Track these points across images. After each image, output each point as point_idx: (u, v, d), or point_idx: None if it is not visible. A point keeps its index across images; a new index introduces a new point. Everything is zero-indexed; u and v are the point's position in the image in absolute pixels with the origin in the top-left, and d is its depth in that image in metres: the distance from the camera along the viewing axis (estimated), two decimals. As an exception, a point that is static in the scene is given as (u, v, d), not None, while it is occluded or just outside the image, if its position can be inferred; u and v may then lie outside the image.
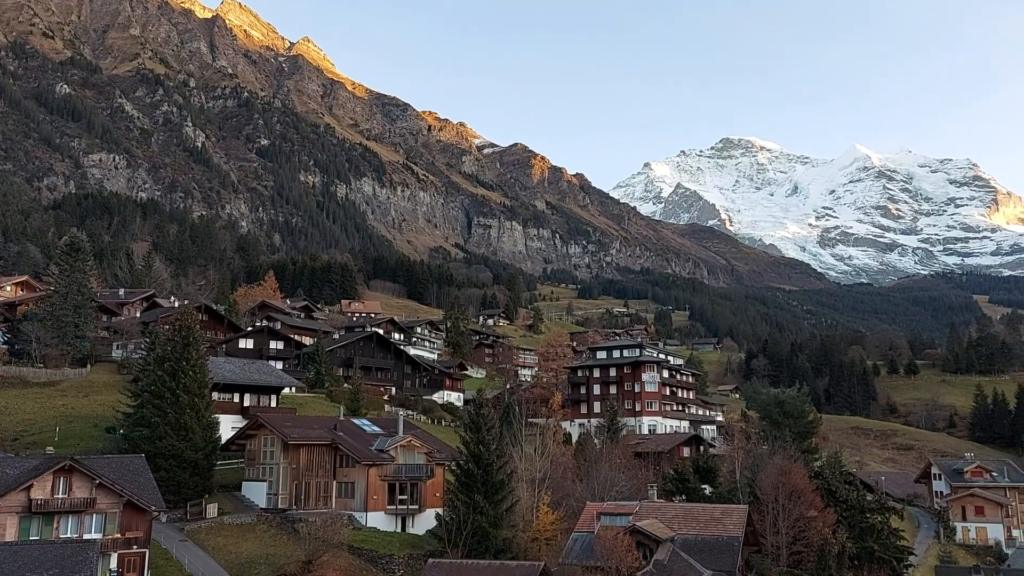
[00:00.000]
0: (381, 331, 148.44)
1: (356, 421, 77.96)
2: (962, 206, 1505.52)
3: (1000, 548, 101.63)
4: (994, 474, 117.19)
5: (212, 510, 64.78)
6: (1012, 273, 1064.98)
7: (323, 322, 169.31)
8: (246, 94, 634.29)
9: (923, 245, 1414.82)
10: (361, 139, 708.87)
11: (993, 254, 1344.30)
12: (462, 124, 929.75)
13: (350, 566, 58.71)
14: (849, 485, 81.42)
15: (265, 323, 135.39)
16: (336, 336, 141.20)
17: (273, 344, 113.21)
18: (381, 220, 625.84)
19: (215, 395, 76.71)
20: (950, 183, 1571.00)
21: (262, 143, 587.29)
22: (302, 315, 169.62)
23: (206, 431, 68.48)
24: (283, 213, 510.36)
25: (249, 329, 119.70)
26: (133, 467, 55.56)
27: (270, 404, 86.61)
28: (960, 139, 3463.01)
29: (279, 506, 67.09)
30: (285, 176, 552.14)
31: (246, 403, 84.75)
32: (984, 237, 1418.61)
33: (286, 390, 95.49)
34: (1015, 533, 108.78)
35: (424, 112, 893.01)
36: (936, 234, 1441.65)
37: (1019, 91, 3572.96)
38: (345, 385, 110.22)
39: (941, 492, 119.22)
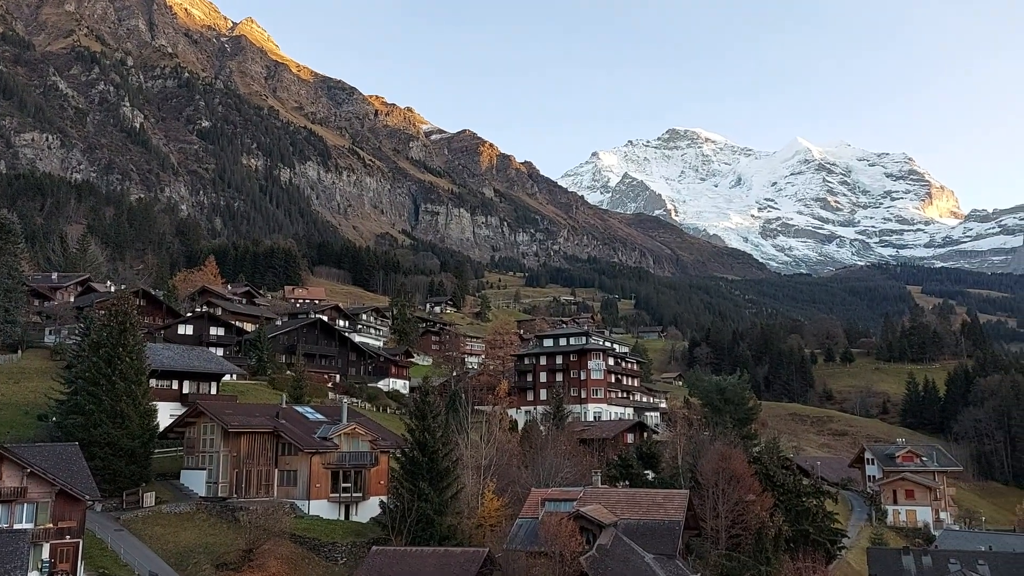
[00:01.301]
0: (325, 318, 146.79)
1: (299, 409, 77.01)
2: (898, 199, 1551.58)
3: (928, 530, 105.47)
4: (924, 459, 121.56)
5: (149, 499, 63.38)
6: (944, 265, 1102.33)
7: (265, 308, 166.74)
8: (186, 74, 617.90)
9: (860, 237, 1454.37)
10: (306, 123, 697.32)
11: (926, 246, 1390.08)
12: (410, 109, 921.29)
13: (292, 554, 58.08)
14: (786, 470, 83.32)
15: (205, 309, 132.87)
16: (279, 323, 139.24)
17: (214, 330, 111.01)
18: (326, 205, 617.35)
19: (153, 382, 75.04)
20: (887, 176, 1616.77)
21: (203, 125, 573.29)
22: (244, 301, 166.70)
23: (143, 419, 66.89)
24: (225, 197, 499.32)
25: (189, 315, 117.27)
26: (66, 455, 53.95)
27: (210, 391, 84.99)
28: (897, 134, 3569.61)
29: (219, 494, 66.00)
30: (227, 159, 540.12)
31: (185, 390, 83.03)
32: (918, 230, 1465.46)
33: (227, 377, 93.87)
34: (943, 516, 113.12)
35: (371, 96, 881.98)
36: (873, 226, 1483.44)
37: (953, 88, 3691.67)
38: (288, 372, 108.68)
39: (873, 476, 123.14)
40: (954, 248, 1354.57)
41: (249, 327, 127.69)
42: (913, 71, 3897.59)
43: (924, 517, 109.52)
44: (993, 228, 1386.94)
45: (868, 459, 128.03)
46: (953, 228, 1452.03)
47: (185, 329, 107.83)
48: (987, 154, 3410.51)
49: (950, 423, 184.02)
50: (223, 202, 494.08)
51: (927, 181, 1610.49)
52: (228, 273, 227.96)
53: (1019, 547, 75.69)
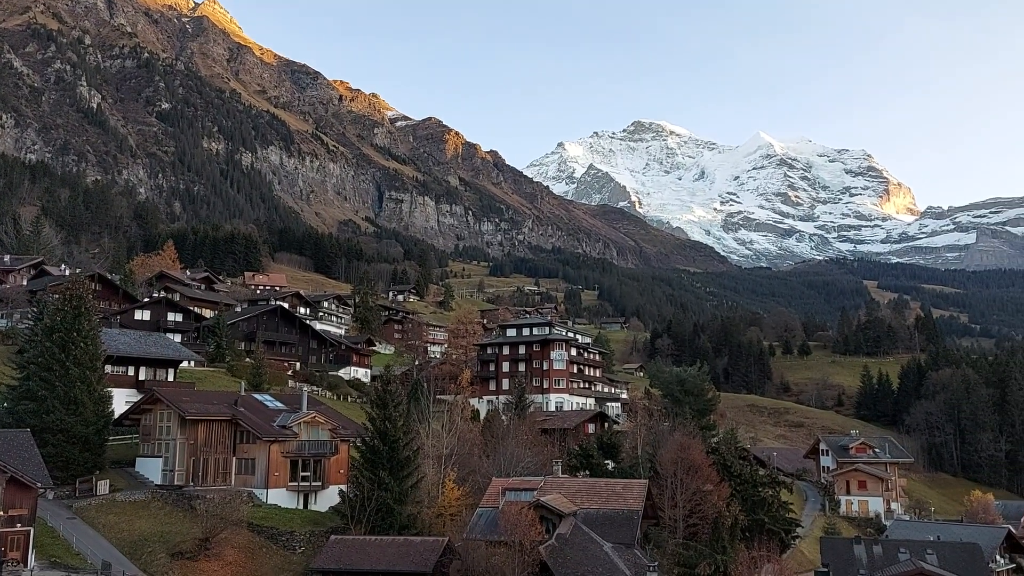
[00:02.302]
0: (286, 305, 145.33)
1: (258, 396, 76.21)
2: (856, 195, 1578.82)
3: (880, 520, 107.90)
4: (876, 450, 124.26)
5: (103, 487, 62.30)
6: (900, 260, 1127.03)
7: (225, 294, 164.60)
8: (146, 55, 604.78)
9: (819, 232, 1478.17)
10: (269, 106, 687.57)
11: (883, 242, 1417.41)
12: (374, 95, 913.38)
13: (249, 543, 57.61)
14: (743, 460, 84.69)
15: (163, 294, 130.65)
16: (239, 309, 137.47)
17: (171, 316, 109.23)
18: (288, 191, 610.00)
19: (108, 368, 73.64)
20: (846, 173, 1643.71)
21: (163, 107, 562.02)
22: (203, 287, 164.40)
23: (98, 405, 65.67)
24: (184, 180, 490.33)
25: (146, 300, 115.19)
26: (17, 442, 52.78)
27: (167, 378, 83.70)
28: (856, 131, 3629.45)
29: (175, 483, 65.12)
30: (187, 142, 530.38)
31: (141, 377, 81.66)
32: (875, 225, 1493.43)
33: (184, 364, 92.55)
34: (894, 506, 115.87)
35: (335, 81, 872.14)
36: (832, 221, 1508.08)
37: (912, 88, 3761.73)
38: (247, 360, 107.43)
39: (828, 467, 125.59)
40: (910, 244, 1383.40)
41: (208, 313, 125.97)
42: (873, 70, 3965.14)
43: (876, 507, 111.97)
44: (948, 225, 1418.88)
45: (823, 450, 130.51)
46: (909, 224, 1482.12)
47: (142, 314, 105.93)
48: (943, 153, 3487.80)
49: (903, 416, 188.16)
50: (183, 186, 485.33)
51: (885, 178, 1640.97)
52: (187, 258, 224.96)
53: (966, 537, 77.71)
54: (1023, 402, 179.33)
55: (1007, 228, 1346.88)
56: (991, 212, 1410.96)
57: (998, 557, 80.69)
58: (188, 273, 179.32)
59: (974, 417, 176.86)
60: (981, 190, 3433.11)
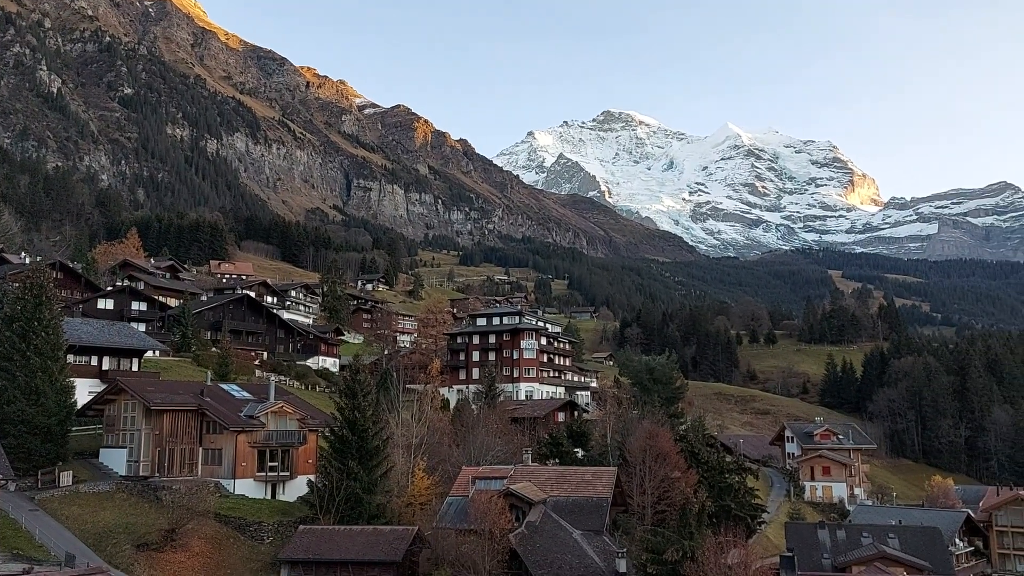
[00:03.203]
0: (253, 294, 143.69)
1: (225, 386, 75.38)
2: (822, 186, 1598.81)
3: (843, 505, 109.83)
4: (840, 437, 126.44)
5: (66, 478, 61.26)
6: (863, 250, 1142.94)
7: (190, 283, 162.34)
8: (108, 39, 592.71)
9: (785, 222, 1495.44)
10: (234, 93, 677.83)
11: (848, 232, 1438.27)
12: (342, 82, 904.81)
13: (216, 534, 57.11)
14: (710, 447, 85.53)
15: (127, 283, 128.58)
16: (204, 298, 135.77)
17: (135, 305, 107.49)
18: (255, 178, 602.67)
19: (71, 358, 72.31)
20: (812, 164, 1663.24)
21: (125, 92, 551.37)
22: (167, 275, 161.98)
23: (60, 395, 64.49)
24: (148, 167, 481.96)
25: (109, 289, 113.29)
26: (-25, 434, 51.67)
27: (131, 368, 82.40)
28: (822, 122, 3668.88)
29: (140, 474, 64.23)
30: (151, 128, 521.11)
31: (105, 366, 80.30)
32: (840, 216, 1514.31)
33: (149, 353, 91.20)
34: (857, 491, 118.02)
35: (302, 68, 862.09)
36: (798, 212, 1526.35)
37: (877, 80, 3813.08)
38: (213, 349, 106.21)
39: (793, 454, 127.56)
40: (873, 234, 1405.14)
41: (173, 302, 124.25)
42: (839, 63, 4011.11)
43: (840, 493, 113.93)
44: (911, 216, 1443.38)
45: (788, 437, 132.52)
46: (873, 215, 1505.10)
47: (105, 304, 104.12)
48: (907, 144, 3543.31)
49: (866, 403, 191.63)
50: (146, 173, 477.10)
51: (850, 169, 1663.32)
52: (151, 246, 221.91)
53: (926, 521, 79.40)
54: (982, 389, 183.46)
55: (968, 219, 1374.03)
56: (953, 203, 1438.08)
57: (957, 540, 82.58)
58: (152, 262, 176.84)
59: (935, 404, 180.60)
60: (943, 181, 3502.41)
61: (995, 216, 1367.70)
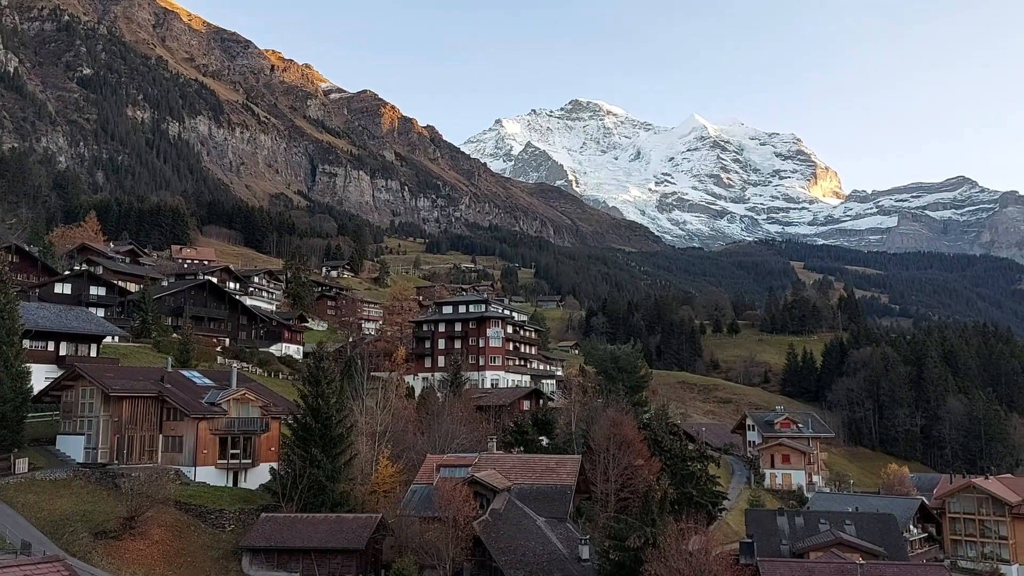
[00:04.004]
0: (215, 279, 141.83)
1: (186, 373, 74.38)
2: (785, 178, 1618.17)
3: (802, 492, 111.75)
4: (799, 426, 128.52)
5: (22, 465, 60.03)
6: (825, 242, 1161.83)
7: (151, 268, 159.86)
8: (67, 17, 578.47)
9: (749, 213, 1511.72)
10: (197, 75, 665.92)
11: (810, 224, 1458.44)
12: (308, 66, 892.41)
13: (176, 522, 56.44)
14: (673, 436, 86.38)
15: (85, 267, 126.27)
16: (165, 283, 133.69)
17: (94, 290, 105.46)
18: (217, 162, 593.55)
19: (27, 343, 70.87)
20: (776, 156, 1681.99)
21: (84, 72, 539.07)
22: (127, 260, 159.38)
23: (15, 381, 63.05)
24: (107, 150, 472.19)
25: (67, 273, 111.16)
26: (-75, 421, 50.37)
27: (89, 354, 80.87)
28: (787, 114, 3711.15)
29: (99, 461, 63.22)
30: (111, 110, 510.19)
31: (62, 352, 78.72)
32: (803, 208, 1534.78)
33: (108, 339, 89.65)
34: (815, 479, 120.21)
35: (267, 51, 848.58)
36: (761, 203, 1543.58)
37: (840, 74, 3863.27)
38: (174, 335, 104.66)
39: (754, 442, 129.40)
40: (835, 227, 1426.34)
41: (133, 287, 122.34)
42: (803, 56, 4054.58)
43: (798, 480, 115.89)
44: (871, 208, 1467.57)
45: (749, 425, 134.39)
46: (835, 207, 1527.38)
47: (63, 288, 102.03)
48: (869, 138, 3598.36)
49: (825, 392, 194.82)
50: (105, 155, 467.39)
51: (813, 162, 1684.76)
52: (110, 230, 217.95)
53: (882, 508, 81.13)
54: (938, 379, 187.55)
55: (927, 212, 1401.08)
56: (912, 196, 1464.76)
57: (912, 527, 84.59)
58: (112, 246, 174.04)
59: (892, 393, 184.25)
60: (904, 175, 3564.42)
61: (952, 210, 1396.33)
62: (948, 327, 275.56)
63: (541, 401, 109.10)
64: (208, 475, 65.26)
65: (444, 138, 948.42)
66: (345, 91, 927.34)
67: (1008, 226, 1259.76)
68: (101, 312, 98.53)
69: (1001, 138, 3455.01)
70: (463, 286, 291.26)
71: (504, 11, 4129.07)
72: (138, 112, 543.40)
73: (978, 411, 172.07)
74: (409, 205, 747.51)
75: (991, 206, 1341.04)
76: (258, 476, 67.31)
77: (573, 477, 62.54)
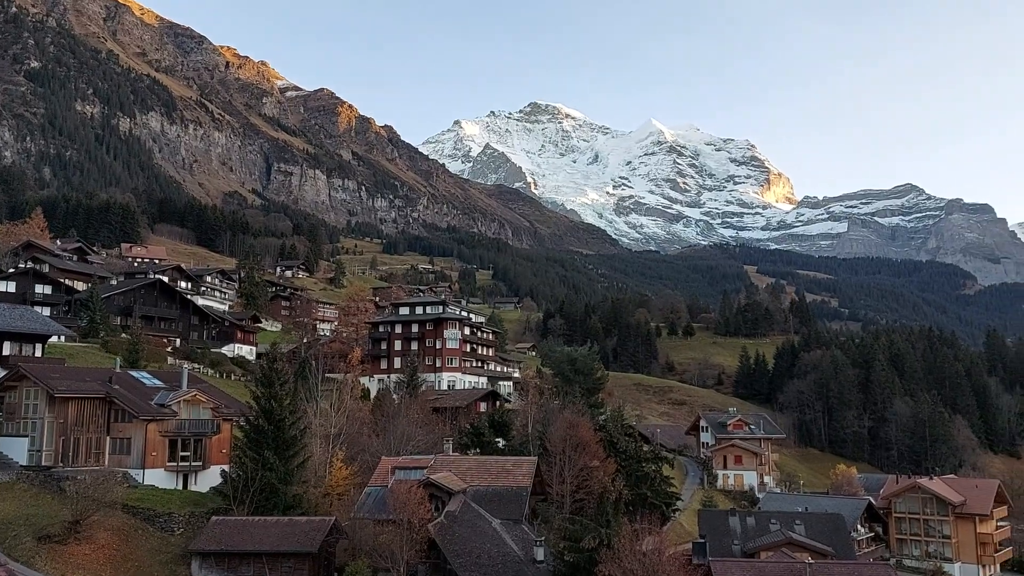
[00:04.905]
0: (166, 278, 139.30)
1: (135, 374, 72.70)
2: (740, 184, 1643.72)
3: (753, 493, 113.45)
4: (752, 427, 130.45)
5: (-40, 470, 58.13)
6: (778, 247, 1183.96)
7: (100, 266, 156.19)
8: (14, 9, 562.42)
9: (705, 218, 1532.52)
10: (149, 70, 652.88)
11: (763, 229, 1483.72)
12: (264, 63, 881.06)
13: (124, 525, 55.14)
14: (629, 437, 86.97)
15: (30, 265, 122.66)
16: (114, 282, 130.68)
17: (40, 288, 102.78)
18: (170, 160, 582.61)
19: (-34, 343, 68.62)
20: (731, 161, 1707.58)
21: (32, 65, 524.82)
22: (75, 258, 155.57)
23: (-46, 383, 61.10)
24: (55, 145, 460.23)
25: (11, 271, 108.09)
26: None
27: (34, 353, 78.51)
28: (741, 121, 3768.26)
29: (43, 463, 61.40)
30: (59, 104, 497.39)
31: (6, 352, 76.20)
32: (756, 213, 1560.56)
33: (54, 339, 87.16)
34: (767, 479, 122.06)
35: (222, 47, 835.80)
36: (716, 208, 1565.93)
37: (792, 82, 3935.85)
38: (123, 335, 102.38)
39: (707, 443, 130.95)
40: (787, 232, 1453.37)
41: (81, 286, 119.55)
42: (757, 64, 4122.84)
43: (750, 481, 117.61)
44: (822, 214, 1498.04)
45: (703, 427, 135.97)
46: (787, 213, 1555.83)
47: (7, 286, 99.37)
48: (821, 145, 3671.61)
49: (777, 394, 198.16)
50: (53, 150, 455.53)
51: (766, 168, 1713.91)
52: (58, 228, 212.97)
53: (831, 508, 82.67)
54: (885, 382, 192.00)
55: (876, 218, 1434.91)
56: (862, 203, 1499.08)
57: (859, 526, 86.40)
58: (59, 243, 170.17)
59: (841, 396, 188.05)
60: (854, 181, 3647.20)
61: (901, 216, 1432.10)
62: (895, 331, 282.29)
63: (498, 403, 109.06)
64: (157, 478, 63.92)
65: (402, 138, 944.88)
66: (302, 89, 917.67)
67: (953, 233, 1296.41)
68: (47, 311, 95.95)
69: (948, 147, 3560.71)
70: (420, 287, 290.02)
71: (464, 11, 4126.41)
72: (88, 107, 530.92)
73: (923, 413, 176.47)
74: (366, 205, 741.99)
75: (937, 213, 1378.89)
76: (209, 479, 66.13)
77: (529, 479, 62.55)
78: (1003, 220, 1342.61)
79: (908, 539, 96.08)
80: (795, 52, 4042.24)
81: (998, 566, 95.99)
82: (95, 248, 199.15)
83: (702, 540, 67.47)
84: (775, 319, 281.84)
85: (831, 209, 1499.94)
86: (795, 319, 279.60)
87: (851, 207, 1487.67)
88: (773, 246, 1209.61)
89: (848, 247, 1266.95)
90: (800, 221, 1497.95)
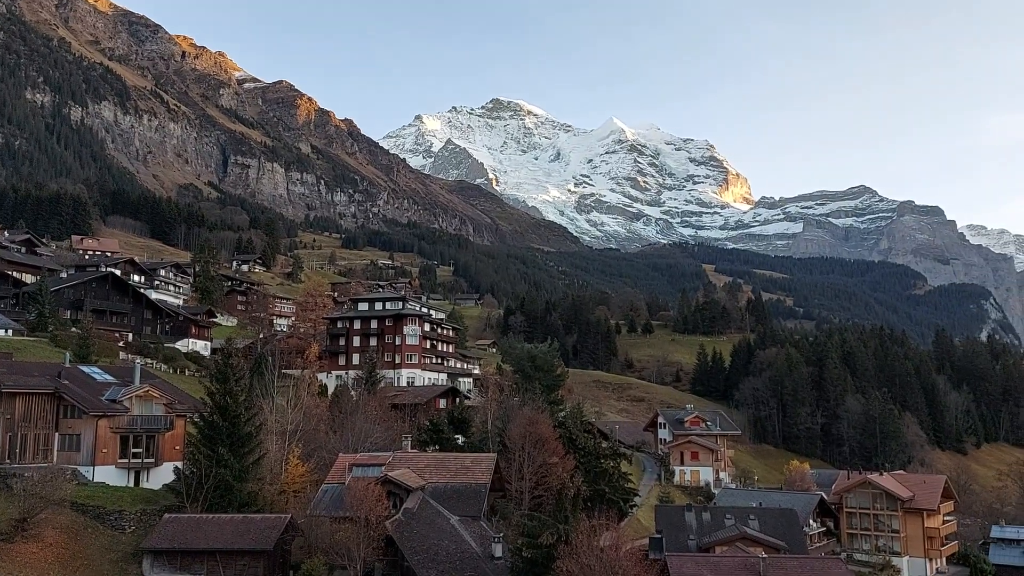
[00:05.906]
0: (118, 272, 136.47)
1: (85, 369, 71.17)
2: (699, 183, 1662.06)
3: (710, 488, 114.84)
4: (708, 424, 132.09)
5: (-101, 468, 56.28)
6: (735, 246, 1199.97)
7: (49, 259, 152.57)
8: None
9: (664, 216, 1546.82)
10: (102, 59, 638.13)
11: (721, 228, 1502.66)
12: (221, 54, 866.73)
13: (72, 524, 53.95)
14: (588, 434, 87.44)
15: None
16: (64, 275, 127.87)
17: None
18: (123, 150, 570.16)
19: (-93, 336, 66.42)
20: (690, 161, 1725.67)
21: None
22: (23, 250, 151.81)
23: None
24: (3, 134, 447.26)
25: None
26: None
27: (-21, 348, 76.49)
28: (701, 121, 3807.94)
29: (-12, 461, 59.80)
30: (7, 92, 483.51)
31: (-52, 346, 74.21)
32: (715, 212, 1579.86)
33: (0, 332, 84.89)
34: (722, 475, 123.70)
35: (178, 36, 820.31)
36: (676, 207, 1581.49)
37: (751, 82, 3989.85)
38: (73, 329, 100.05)
39: (665, 439, 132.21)
40: (744, 231, 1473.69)
41: (29, 279, 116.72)
42: (718, 66, 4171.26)
43: (706, 477, 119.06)
44: (779, 215, 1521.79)
45: (661, 423, 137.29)
46: (745, 213, 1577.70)
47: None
48: (778, 146, 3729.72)
49: (733, 391, 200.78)
50: (1, 139, 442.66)
51: (725, 168, 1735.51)
52: (5, 219, 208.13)
53: (784, 503, 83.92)
54: (837, 380, 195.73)
55: (830, 219, 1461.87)
56: (817, 204, 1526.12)
57: (811, 521, 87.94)
58: (7, 235, 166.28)
59: (795, 393, 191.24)
60: (810, 183, 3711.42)
61: (854, 217, 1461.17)
62: (848, 330, 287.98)
63: (458, 399, 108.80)
64: (108, 475, 62.68)
65: (362, 132, 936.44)
66: (260, 81, 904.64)
67: (904, 234, 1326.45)
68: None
69: (900, 150, 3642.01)
70: (380, 283, 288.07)
71: (426, 5, 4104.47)
72: (38, 95, 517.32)
73: (874, 410, 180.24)
74: (325, 199, 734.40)
75: (889, 215, 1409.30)
76: (162, 476, 64.99)
77: (488, 475, 62.54)
78: (952, 222, 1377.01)
79: (859, 533, 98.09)
80: (754, 58, 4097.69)
81: (944, 559, 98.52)
82: (44, 240, 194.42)
83: (658, 535, 68.03)
84: (732, 317, 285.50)
85: (787, 210, 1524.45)
86: (751, 317, 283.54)
87: (807, 208, 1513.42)
88: (731, 245, 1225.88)
89: (803, 247, 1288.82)
90: (757, 221, 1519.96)
